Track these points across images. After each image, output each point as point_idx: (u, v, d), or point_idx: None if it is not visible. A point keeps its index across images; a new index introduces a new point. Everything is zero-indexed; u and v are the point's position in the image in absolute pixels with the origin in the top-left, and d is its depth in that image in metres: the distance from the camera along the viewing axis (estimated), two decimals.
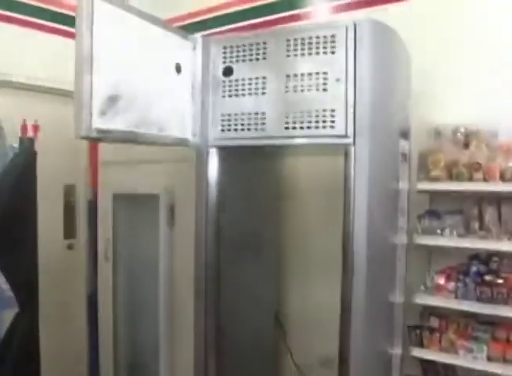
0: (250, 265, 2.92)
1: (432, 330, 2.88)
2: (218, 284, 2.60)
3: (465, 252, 2.89)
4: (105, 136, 2.02)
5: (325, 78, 2.26)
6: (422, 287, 2.91)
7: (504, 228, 2.72)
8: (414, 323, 2.96)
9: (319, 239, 3.30)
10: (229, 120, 2.45)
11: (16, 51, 3.70)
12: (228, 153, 2.54)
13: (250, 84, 2.40)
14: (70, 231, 4.24)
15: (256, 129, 2.40)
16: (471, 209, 2.84)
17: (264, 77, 2.38)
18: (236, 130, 2.44)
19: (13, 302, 2.46)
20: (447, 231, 2.81)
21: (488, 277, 2.74)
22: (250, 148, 2.49)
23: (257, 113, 2.39)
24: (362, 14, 3.27)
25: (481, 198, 2.82)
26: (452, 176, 2.76)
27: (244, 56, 2.42)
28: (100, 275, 3.90)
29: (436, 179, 2.79)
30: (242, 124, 2.43)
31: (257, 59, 2.39)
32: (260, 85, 2.38)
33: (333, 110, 2.24)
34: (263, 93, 2.38)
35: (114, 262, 3.79)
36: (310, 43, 2.28)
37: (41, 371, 2.88)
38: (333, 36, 2.25)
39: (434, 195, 3.01)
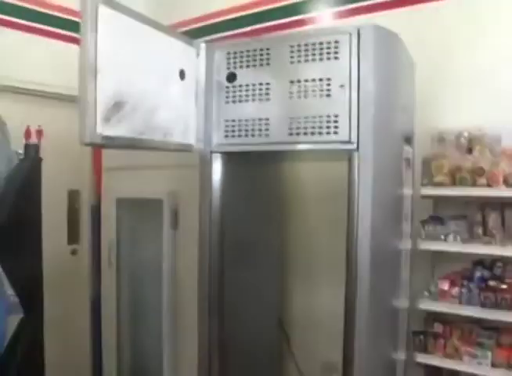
0: (254, 269, 2.92)
1: (436, 335, 2.88)
2: (221, 288, 2.59)
3: (469, 258, 2.89)
4: (109, 143, 2.02)
5: (328, 84, 2.26)
6: (426, 293, 2.90)
7: (508, 233, 2.72)
8: (418, 329, 2.95)
9: (323, 244, 3.31)
10: (233, 125, 2.46)
11: (20, 56, 3.71)
12: (232, 159, 2.54)
13: (253, 90, 2.41)
14: (73, 236, 4.25)
15: (260, 135, 2.40)
16: (475, 214, 2.84)
17: (267, 83, 2.38)
18: (239, 136, 2.45)
19: (18, 308, 2.46)
20: (451, 237, 2.81)
21: (492, 283, 2.74)
22: (254, 154, 2.49)
23: (260, 119, 2.39)
24: (365, 19, 3.27)
25: (484, 203, 2.82)
26: (455, 181, 2.76)
27: (248, 61, 2.42)
28: (104, 280, 3.91)
29: (440, 185, 2.79)
30: (245, 130, 2.43)
31: (261, 65, 2.40)
32: (263, 91, 2.39)
33: (336, 116, 2.24)
34: (267, 99, 2.38)
35: (118, 267, 3.80)
36: (314, 49, 2.28)
37: None
38: (336, 42, 2.25)
39: (437, 200, 3.01)
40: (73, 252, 4.23)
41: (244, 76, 2.44)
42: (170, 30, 2.41)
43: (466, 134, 2.87)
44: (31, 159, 2.62)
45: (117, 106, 1.99)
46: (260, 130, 2.39)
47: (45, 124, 3.09)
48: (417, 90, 2.82)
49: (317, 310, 3.35)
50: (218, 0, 4.05)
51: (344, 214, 2.28)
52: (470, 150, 2.85)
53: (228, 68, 2.47)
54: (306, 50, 2.30)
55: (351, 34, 2.23)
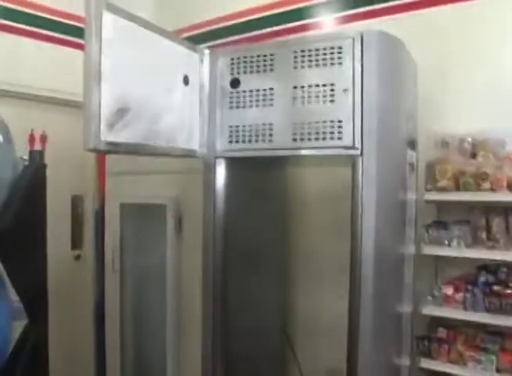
0: (258, 275, 2.91)
1: (440, 340, 2.87)
2: (225, 293, 2.59)
3: (473, 262, 2.88)
4: (113, 149, 2.03)
5: (332, 89, 2.26)
6: (430, 298, 2.90)
7: None
8: (422, 334, 2.94)
9: (327, 249, 3.30)
10: (237, 131, 2.46)
11: (24, 62, 3.73)
12: (236, 164, 2.55)
13: (257, 95, 2.41)
14: (77, 241, 4.26)
15: (263, 140, 2.40)
16: (479, 219, 2.83)
17: (271, 89, 2.39)
18: (243, 141, 2.45)
19: (23, 313, 2.46)
20: (455, 242, 2.80)
21: (496, 287, 2.72)
22: (258, 159, 2.49)
23: (264, 125, 2.40)
24: (368, 24, 3.28)
25: (488, 208, 2.81)
26: (459, 186, 2.76)
27: (251, 67, 2.43)
28: (107, 285, 3.91)
29: (443, 190, 2.78)
30: (249, 136, 2.43)
31: (265, 70, 2.40)
32: (267, 97, 2.39)
33: (340, 121, 2.24)
34: (270, 105, 2.39)
35: (121, 272, 3.80)
36: (317, 54, 2.29)
37: None
38: (340, 47, 2.26)
39: (441, 205, 3.01)
40: (77, 257, 4.24)
41: (248, 81, 2.44)
42: (174, 36, 2.42)
43: (469, 139, 2.87)
44: (36, 165, 2.62)
45: (120, 112, 2.00)
46: (264, 135, 2.40)
47: (49, 129, 3.11)
48: (420, 94, 2.82)
49: (321, 316, 3.34)
50: (221, 6, 4.05)
51: (347, 219, 2.28)
52: (473, 155, 2.84)
53: (232, 74, 2.48)
54: (310, 55, 2.31)
55: (354, 39, 2.23)
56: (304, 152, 2.35)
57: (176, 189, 3.36)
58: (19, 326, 2.49)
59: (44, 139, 2.88)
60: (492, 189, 2.66)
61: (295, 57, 2.34)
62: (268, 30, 3.81)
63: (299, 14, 3.71)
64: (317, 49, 2.29)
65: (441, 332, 2.90)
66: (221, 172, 2.54)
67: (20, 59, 3.70)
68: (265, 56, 2.41)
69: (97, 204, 4.22)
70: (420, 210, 2.87)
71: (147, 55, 2.17)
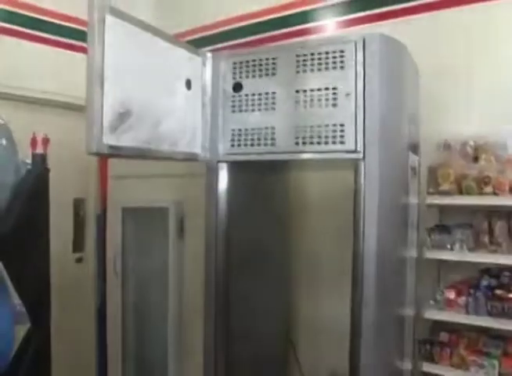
0: (260, 278, 2.91)
1: (442, 344, 2.86)
2: (227, 296, 2.59)
3: (475, 266, 2.87)
4: (115, 152, 2.03)
5: (334, 93, 2.27)
6: (432, 302, 2.89)
7: None
8: (424, 338, 2.94)
9: (329, 253, 3.29)
10: (239, 135, 2.46)
11: (26, 65, 3.73)
12: (238, 168, 2.55)
13: (259, 99, 2.42)
14: (79, 244, 4.25)
15: (266, 144, 2.40)
16: (481, 223, 2.83)
17: (273, 93, 2.39)
18: (245, 145, 2.45)
19: (25, 317, 2.47)
20: (457, 245, 2.80)
21: (499, 291, 2.72)
22: (260, 163, 2.49)
23: (266, 129, 2.40)
24: (370, 28, 3.28)
25: (490, 212, 2.81)
26: (461, 190, 2.76)
27: (254, 71, 2.44)
28: (109, 288, 3.91)
29: (446, 193, 2.78)
30: (252, 139, 2.44)
31: (267, 74, 2.41)
32: (270, 101, 2.40)
33: (342, 125, 2.24)
34: (273, 108, 2.39)
35: (123, 275, 3.80)
36: (319, 58, 2.30)
37: None
38: (342, 51, 2.26)
39: (443, 209, 3.00)
40: (79, 260, 4.24)
41: (250, 85, 2.45)
42: (176, 39, 2.42)
43: (471, 142, 2.87)
44: (39, 170, 2.63)
45: (123, 116, 2.00)
46: (266, 139, 2.40)
47: (51, 132, 3.10)
48: (422, 98, 2.82)
49: (323, 319, 3.33)
50: (224, 9, 4.06)
51: (350, 223, 2.27)
52: (476, 159, 2.84)
53: (234, 78, 2.48)
54: (312, 59, 2.31)
55: (356, 43, 2.24)
56: (306, 156, 2.36)
57: (178, 193, 3.36)
58: (21, 329, 2.50)
59: (46, 141, 2.87)
60: (495, 193, 2.66)
61: (297, 61, 2.35)
62: (271, 33, 3.82)
63: (301, 18, 3.71)
64: (319, 53, 2.30)
65: (444, 336, 2.89)
66: (223, 176, 2.55)
67: (22, 63, 3.70)
68: (267, 59, 2.41)
69: (99, 207, 4.22)
70: (423, 213, 2.87)
71: (150, 58, 2.17)
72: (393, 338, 2.54)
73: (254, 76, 2.44)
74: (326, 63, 2.29)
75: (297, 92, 2.34)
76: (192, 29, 4.15)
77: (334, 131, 2.25)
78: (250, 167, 2.59)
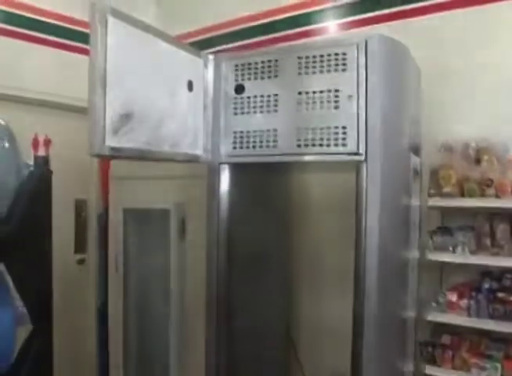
0: (262, 279, 2.91)
1: (444, 347, 2.85)
2: (229, 298, 2.59)
3: (477, 269, 2.87)
4: (117, 154, 2.03)
5: (336, 95, 2.27)
6: (434, 304, 2.89)
7: None
8: (426, 340, 2.93)
9: (331, 254, 3.29)
10: (241, 137, 2.46)
11: (29, 67, 3.73)
12: (240, 169, 2.55)
13: (261, 101, 2.42)
14: (80, 245, 4.25)
15: (268, 146, 2.40)
16: (483, 225, 2.82)
17: (275, 95, 2.39)
18: (247, 147, 2.45)
19: (27, 319, 2.47)
20: (459, 248, 2.79)
21: (500, 294, 2.71)
22: (262, 165, 2.49)
23: (268, 131, 2.40)
24: (372, 30, 3.28)
25: (492, 214, 2.80)
26: (463, 192, 2.75)
27: (256, 73, 2.44)
28: (110, 289, 3.91)
29: (448, 195, 2.77)
30: (253, 141, 2.44)
31: (269, 76, 2.41)
32: (272, 103, 2.40)
33: (344, 127, 2.24)
34: (275, 110, 2.39)
35: (124, 276, 3.80)
36: (321, 61, 2.30)
37: None
38: (344, 53, 2.26)
39: (445, 211, 3.00)
40: (80, 261, 4.24)
41: (252, 87, 2.45)
42: (178, 41, 2.42)
43: (473, 144, 2.86)
44: (41, 172, 2.63)
45: (125, 118, 2.00)
46: (268, 141, 2.40)
47: (53, 133, 3.10)
48: (424, 100, 2.82)
49: (325, 320, 3.33)
50: (225, 11, 4.05)
51: (352, 224, 2.27)
52: (478, 161, 2.83)
53: (236, 80, 2.48)
54: (314, 62, 2.32)
55: (358, 45, 2.24)
56: (308, 158, 2.36)
57: (180, 194, 3.37)
58: (23, 330, 2.50)
59: (48, 143, 2.87)
60: (497, 196, 2.66)
61: (299, 63, 2.34)
62: (272, 36, 3.82)
63: (304, 20, 3.71)
64: (321, 55, 2.30)
65: (446, 338, 2.89)
66: (225, 178, 2.55)
67: (24, 64, 3.70)
68: (269, 61, 2.41)
69: (101, 208, 4.22)
70: (424, 215, 2.86)
71: (151, 60, 2.17)
72: (395, 340, 2.54)
73: (256, 78, 2.44)
74: (328, 65, 2.29)
75: (299, 94, 2.34)
76: (194, 31, 4.14)
77: (336, 133, 2.25)
78: (252, 169, 2.59)
